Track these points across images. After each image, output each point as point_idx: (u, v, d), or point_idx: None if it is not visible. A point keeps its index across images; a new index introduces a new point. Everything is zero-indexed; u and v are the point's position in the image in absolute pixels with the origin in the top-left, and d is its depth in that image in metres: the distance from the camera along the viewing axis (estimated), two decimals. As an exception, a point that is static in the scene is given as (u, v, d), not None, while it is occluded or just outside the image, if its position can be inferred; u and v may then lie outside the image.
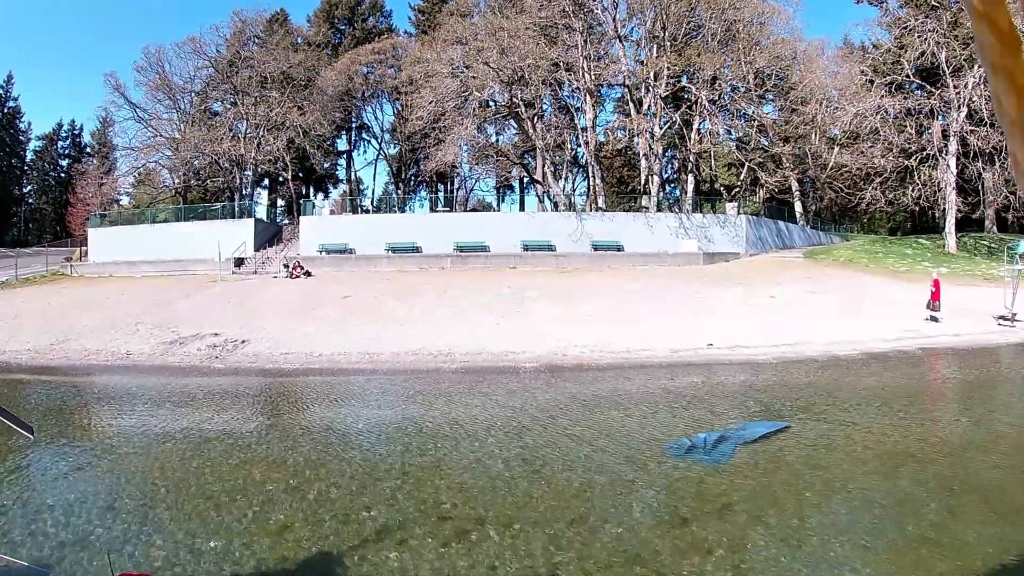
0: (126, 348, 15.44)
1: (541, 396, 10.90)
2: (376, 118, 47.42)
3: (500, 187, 51.23)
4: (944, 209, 32.85)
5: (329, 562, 4.92)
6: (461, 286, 21.81)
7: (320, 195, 49.06)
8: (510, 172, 43.94)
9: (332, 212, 40.72)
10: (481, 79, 31.44)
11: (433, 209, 46.23)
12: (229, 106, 40.02)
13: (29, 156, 58.60)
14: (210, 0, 57.69)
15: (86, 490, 6.52)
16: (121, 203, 45.73)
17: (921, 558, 4.79)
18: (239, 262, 29.14)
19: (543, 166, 35.99)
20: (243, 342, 15.51)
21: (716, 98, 32.72)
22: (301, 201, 39.54)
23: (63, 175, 57.90)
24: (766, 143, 35.84)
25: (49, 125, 64.73)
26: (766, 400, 10.27)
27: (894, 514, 5.60)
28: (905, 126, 32.91)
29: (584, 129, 34.33)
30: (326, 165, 48.93)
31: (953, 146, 31.52)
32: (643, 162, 34.16)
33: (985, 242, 32.70)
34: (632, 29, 35.86)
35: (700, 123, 33.64)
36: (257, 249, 31.41)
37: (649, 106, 33.50)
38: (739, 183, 39.41)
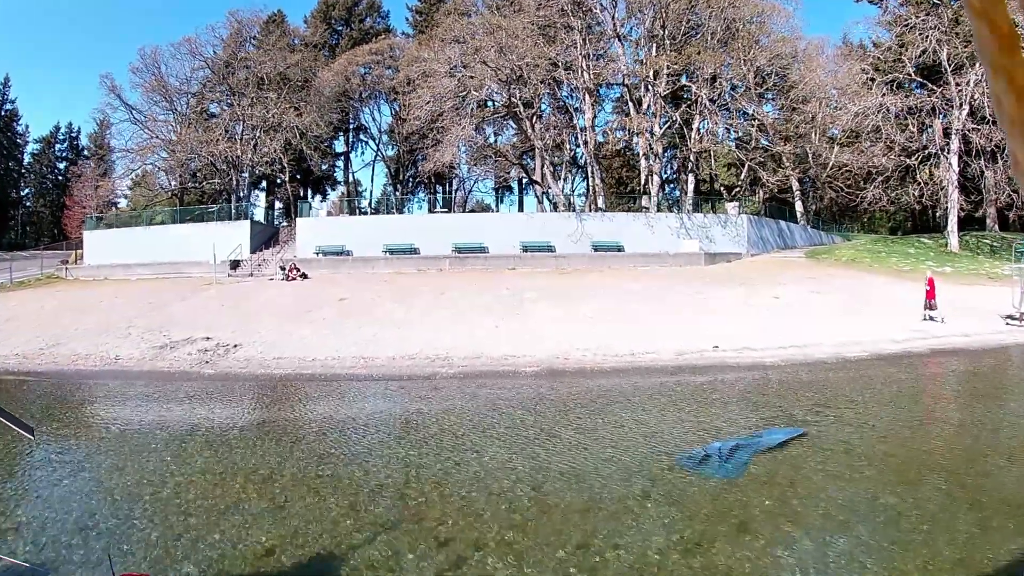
0: (115, 353, 15.08)
1: (542, 405, 10.54)
2: (374, 119, 47.09)
3: (499, 188, 50.90)
4: (946, 208, 32.55)
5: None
6: (459, 287, 21.46)
7: (318, 197, 48.55)
8: (509, 173, 43.60)
9: (330, 214, 40.40)
10: (479, 78, 31.09)
11: (431, 210, 45.96)
12: (225, 107, 39.57)
13: (26, 159, 58.14)
14: (208, 1, 57.28)
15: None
16: (118, 205, 45.41)
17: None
18: (235, 264, 28.79)
19: (542, 166, 35.66)
20: (235, 346, 15.15)
21: (716, 97, 32.37)
22: (298, 203, 39.19)
23: (60, 178, 57.49)
24: (766, 142, 35.56)
25: (46, 128, 64.51)
26: (784, 405, 9.86)
27: (924, 533, 5.24)
28: (906, 124, 32.68)
29: (583, 129, 34.01)
30: (324, 167, 48.54)
31: (955, 144, 31.26)
32: (643, 162, 33.84)
33: (987, 241, 32.44)
34: (631, 28, 35.56)
35: (700, 122, 33.32)
36: (253, 251, 31.04)
37: (648, 105, 33.18)
38: (739, 183, 39.14)
